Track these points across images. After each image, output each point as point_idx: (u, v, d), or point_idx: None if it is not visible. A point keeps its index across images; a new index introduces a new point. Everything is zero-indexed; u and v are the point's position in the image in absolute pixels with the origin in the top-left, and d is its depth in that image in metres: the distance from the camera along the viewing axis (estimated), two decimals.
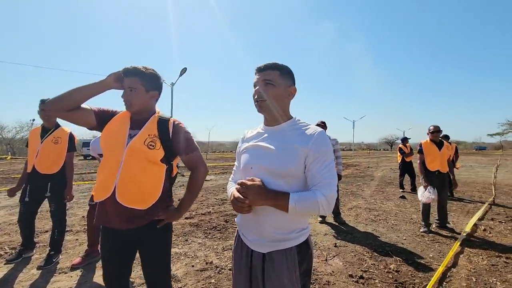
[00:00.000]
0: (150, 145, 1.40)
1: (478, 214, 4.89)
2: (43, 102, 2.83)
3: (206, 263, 3.01)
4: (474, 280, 2.67)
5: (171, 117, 1.55)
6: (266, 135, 1.26)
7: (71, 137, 3.01)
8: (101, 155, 3.00)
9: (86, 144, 25.46)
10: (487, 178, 9.91)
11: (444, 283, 2.62)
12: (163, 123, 1.48)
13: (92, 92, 1.41)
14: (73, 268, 2.80)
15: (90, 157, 23.13)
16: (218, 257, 3.19)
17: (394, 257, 3.20)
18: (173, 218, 1.51)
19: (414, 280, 2.67)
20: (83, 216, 4.84)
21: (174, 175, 1.62)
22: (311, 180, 1.14)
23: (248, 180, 1.15)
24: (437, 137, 4.21)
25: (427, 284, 2.49)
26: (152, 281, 1.49)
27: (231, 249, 3.39)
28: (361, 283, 2.60)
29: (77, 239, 3.69)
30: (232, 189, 1.28)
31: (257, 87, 1.21)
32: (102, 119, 1.47)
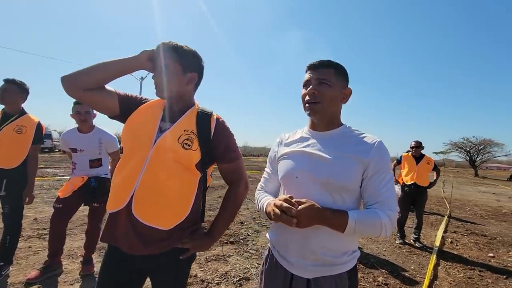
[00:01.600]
0: (185, 144, 1.09)
1: (442, 227, 5.26)
2: (7, 82, 2.34)
3: (190, 277, 2.72)
4: None
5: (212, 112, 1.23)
6: (314, 141, 1.10)
7: (39, 127, 2.53)
8: (73, 150, 2.58)
9: (46, 136, 22.56)
10: (438, 192, 10.85)
11: None
12: (203, 117, 1.17)
13: (121, 70, 1.10)
14: (28, 283, 2.31)
15: (47, 149, 20.35)
16: (202, 269, 2.91)
17: (380, 269, 3.23)
18: (202, 248, 1.17)
19: None
20: (35, 219, 4.18)
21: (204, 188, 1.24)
22: (371, 196, 1.01)
23: (298, 201, 0.95)
24: (417, 152, 4.44)
25: None
26: None
27: (214, 259, 3.16)
28: None
29: (30, 247, 3.12)
30: (269, 201, 1.10)
31: (310, 87, 1.05)
32: (127, 107, 1.15)
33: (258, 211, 5.74)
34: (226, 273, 2.85)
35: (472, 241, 4.72)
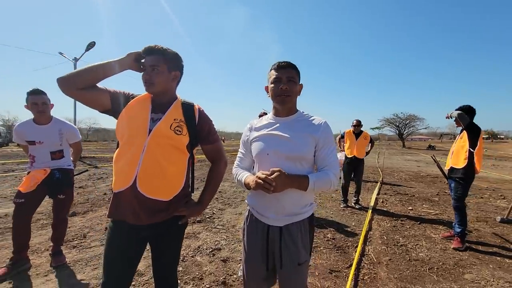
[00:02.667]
0: (177, 130, 1.32)
1: (376, 190, 6.33)
2: None
3: None
4: (385, 238, 3.56)
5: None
6: (278, 125, 1.42)
7: None
8: (31, 142, 2.48)
9: None
10: (373, 163, 12.58)
11: (367, 242, 3.41)
12: (188, 107, 1.41)
13: (110, 71, 1.26)
14: None
15: None
16: None
17: (328, 228, 3.88)
18: (195, 213, 1.44)
19: (348, 243, 3.35)
20: None
21: (192, 165, 1.52)
22: (322, 162, 1.38)
23: (272, 170, 1.26)
24: (357, 129, 5.21)
25: (357, 245, 3.19)
26: (162, 276, 1.43)
27: (186, 237, 3.41)
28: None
29: None
30: (247, 175, 1.40)
31: (282, 84, 1.34)
32: (117, 102, 1.31)
33: (220, 192, 6.03)
34: (199, 247, 3.13)
35: (397, 199, 5.82)
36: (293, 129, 1.38)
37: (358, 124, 5.21)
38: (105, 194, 5.51)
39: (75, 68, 17.30)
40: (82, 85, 1.22)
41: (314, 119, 1.42)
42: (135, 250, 1.37)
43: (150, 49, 1.30)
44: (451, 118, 3.44)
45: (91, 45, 16.72)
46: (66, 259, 2.68)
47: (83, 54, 17.05)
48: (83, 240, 3.21)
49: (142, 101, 1.37)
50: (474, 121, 3.33)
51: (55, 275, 2.45)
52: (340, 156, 5.31)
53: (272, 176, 1.24)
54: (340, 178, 5.15)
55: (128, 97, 1.37)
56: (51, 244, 2.69)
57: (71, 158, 2.78)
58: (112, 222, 1.35)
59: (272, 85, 1.38)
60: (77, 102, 17.95)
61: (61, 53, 17.21)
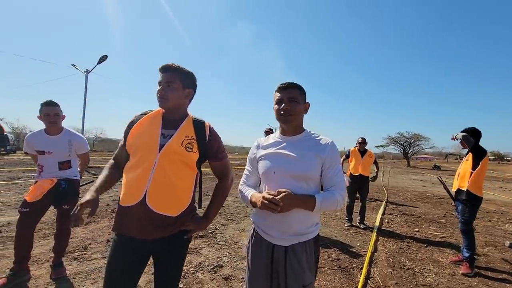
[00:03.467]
0: (188, 147, 1.35)
1: (381, 210, 6.22)
2: None
3: None
4: (391, 260, 3.46)
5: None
6: (284, 143, 1.43)
7: None
8: (40, 152, 2.52)
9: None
10: (378, 182, 12.40)
11: (373, 264, 3.31)
12: (199, 125, 1.44)
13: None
14: None
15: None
16: None
17: (332, 248, 3.79)
18: (201, 228, 1.46)
19: (352, 264, 3.27)
20: None
21: (200, 180, 1.55)
22: (328, 182, 1.38)
23: (278, 191, 1.27)
24: (362, 147, 5.19)
25: (362, 266, 3.11)
26: None
27: (187, 253, 3.34)
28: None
29: None
30: (252, 193, 1.40)
31: (283, 104, 1.38)
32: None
33: (223, 206, 5.98)
34: (200, 263, 3.07)
35: (403, 220, 5.69)
36: (299, 148, 1.39)
37: (363, 142, 5.20)
38: (108, 205, 5.50)
39: (86, 80, 17.80)
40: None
41: (321, 138, 1.43)
42: (138, 264, 1.36)
43: (167, 67, 1.35)
44: (457, 139, 3.43)
45: (103, 59, 17.27)
46: (67, 271, 2.65)
47: (95, 67, 17.57)
48: (84, 252, 3.18)
49: (152, 118, 1.41)
50: (480, 143, 3.32)
51: (54, 287, 2.42)
52: (346, 180, 5.23)
53: (278, 197, 1.25)
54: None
55: (130, 125, 1.42)
56: (52, 255, 2.67)
57: (78, 169, 2.81)
58: (116, 235, 1.35)
59: (276, 106, 1.42)
60: (85, 112, 18.14)
61: (73, 65, 17.74)
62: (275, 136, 1.51)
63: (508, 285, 2.94)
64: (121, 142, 1.45)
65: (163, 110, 1.42)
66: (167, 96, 1.34)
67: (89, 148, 2.85)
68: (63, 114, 2.59)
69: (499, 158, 75.34)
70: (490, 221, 6.05)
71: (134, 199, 1.27)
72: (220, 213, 5.41)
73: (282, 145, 1.43)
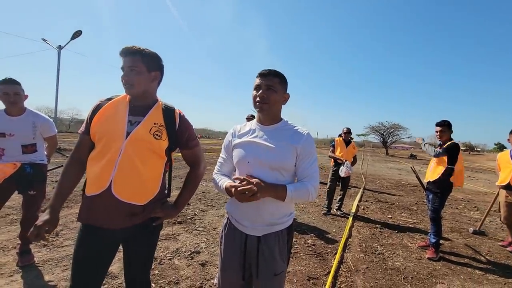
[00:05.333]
0: (156, 134, 1.28)
1: (358, 197, 6.44)
2: None
3: None
4: (364, 245, 3.61)
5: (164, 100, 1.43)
6: (261, 133, 1.39)
7: None
8: (0, 134, 2.33)
9: None
10: (357, 169, 12.82)
11: (346, 249, 3.44)
12: (169, 112, 1.37)
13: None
14: None
15: None
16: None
17: (309, 234, 3.89)
18: (171, 216, 1.43)
19: (327, 250, 3.38)
20: None
21: (170, 168, 1.49)
22: (302, 173, 1.37)
23: (249, 177, 1.25)
24: (347, 137, 5.26)
25: (336, 252, 3.22)
26: (134, 279, 1.39)
27: (165, 239, 3.33)
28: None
29: None
30: (227, 182, 1.36)
31: (260, 91, 1.33)
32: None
33: (203, 192, 5.96)
34: (177, 249, 3.06)
35: (378, 207, 5.94)
36: (275, 138, 1.36)
37: (348, 132, 5.26)
38: (82, 189, 5.30)
39: (59, 56, 16.68)
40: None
41: (297, 129, 1.40)
42: (107, 253, 1.32)
43: (126, 50, 1.25)
44: (421, 147, 3.75)
45: (77, 34, 16.18)
46: (35, 259, 2.54)
47: (68, 42, 16.45)
48: (55, 239, 3.06)
49: (118, 103, 1.33)
50: (453, 135, 3.48)
51: (21, 275, 2.32)
52: (347, 168, 4.96)
53: (252, 180, 1.22)
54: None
55: (93, 112, 1.32)
56: (19, 242, 2.54)
57: (45, 153, 2.64)
58: (82, 225, 1.29)
59: (254, 92, 1.37)
60: (58, 91, 17.15)
61: (44, 40, 16.50)
62: (252, 123, 1.47)
63: (469, 269, 3.16)
64: (82, 129, 1.35)
65: (130, 96, 1.33)
66: (132, 81, 1.26)
67: (56, 130, 2.67)
68: (25, 94, 2.39)
69: (470, 149, 79.93)
70: (457, 208, 6.44)
71: (100, 187, 1.21)
72: (199, 198, 5.39)
73: (258, 133, 1.39)
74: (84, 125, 1.34)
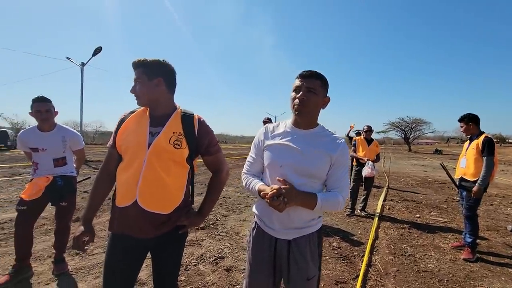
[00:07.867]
0: (176, 144, 1.29)
1: (382, 197, 6.22)
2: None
3: None
4: (392, 247, 3.47)
5: (184, 108, 1.43)
6: (295, 136, 1.34)
7: None
8: (34, 149, 2.48)
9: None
10: (379, 168, 12.41)
11: (374, 251, 3.32)
12: (187, 119, 1.37)
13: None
14: None
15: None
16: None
17: (334, 236, 3.80)
18: (196, 223, 1.44)
19: (354, 252, 3.27)
20: None
21: (192, 175, 1.48)
22: (333, 183, 1.32)
23: (281, 183, 1.23)
24: (369, 135, 5.11)
25: (363, 254, 3.11)
26: (163, 286, 1.42)
27: (189, 245, 3.36)
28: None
29: None
30: (259, 184, 1.32)
31: (300, 93, 1.27)
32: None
33: (224, 197, 5.99)
34: (202, 255, 3.08)
35: (404, 206, 5.70)
36: (311, 144, 1.31)
37: (369, 130, 5.10)
38: (109, 199, 5.49)
39: (82, 73, 17.57)
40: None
41: (334, 136, 1.35)
42: (136, 261, 1.36)
43: (133, 63, 1.30)
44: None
45: (97, 50, 16.96)
46: (69, 267, 2.66)
47: (90, 59, 17.28)
48: (86, 247, 3.18)
49: (139, 116, 1.37)
50: (481, 127, 3.28)
51: (57, 283, 2.43)
52: (371, 167, 4.85)
53: (283, 187, 1.20)
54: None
55: (119, 125, 1.38)
56: (54, 251, 2.67)
57: (74, 165, 2.77)
58: (112, 234, 1.33)
59: (293, 93, 1.32)
60: (83, 105, 18.01)
61: (68, 58, 17.46)
62: (286, 125, 1.41)
63: (510, 270, 2.94)
64: (110, 142, 1.41)
65: (145, 107, 1.37)
66: (137, 93, 1.30)
67: (84, 144, 2.80)
68: (55, 110, 2.53)
69: (501, 140, 75.19)
70: (491, 205, 6.05)
71: (129, 199, 1.25)
72: (221, 204, 5.43)
73: (293, 137, 1.34)
74: (111, 138, 1.40)
